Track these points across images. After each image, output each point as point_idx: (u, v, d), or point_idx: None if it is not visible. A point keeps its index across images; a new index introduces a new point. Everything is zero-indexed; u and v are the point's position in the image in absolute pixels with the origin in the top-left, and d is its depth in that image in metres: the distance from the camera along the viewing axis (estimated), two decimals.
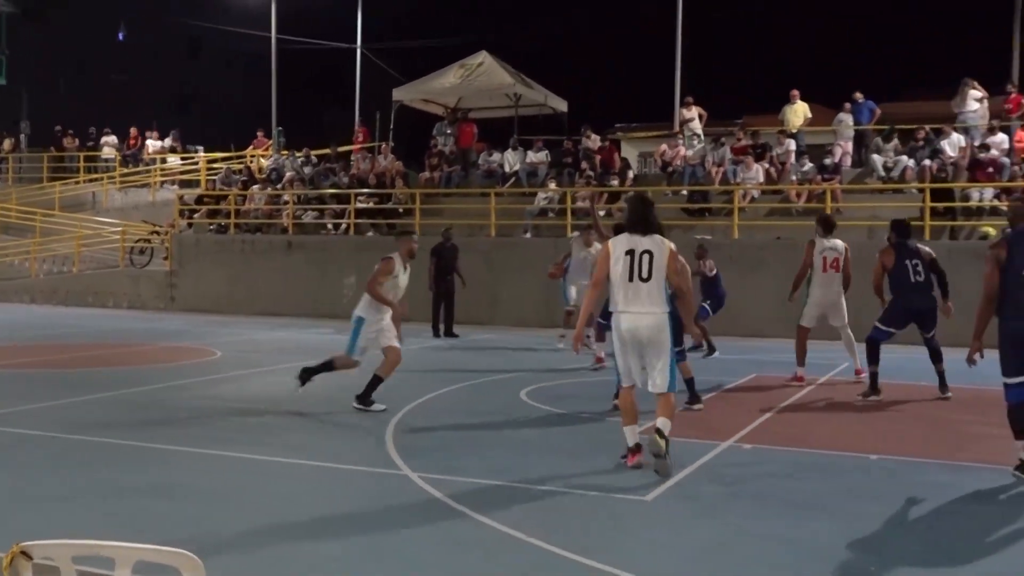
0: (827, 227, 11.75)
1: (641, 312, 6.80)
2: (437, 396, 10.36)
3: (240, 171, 26.66)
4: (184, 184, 29.35)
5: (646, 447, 6.87)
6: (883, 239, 12.08)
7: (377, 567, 4.93)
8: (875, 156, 19.66)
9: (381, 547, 5.21)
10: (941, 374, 10.44)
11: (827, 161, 19.97)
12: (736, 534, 5.46)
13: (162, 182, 29.72)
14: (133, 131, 31.59)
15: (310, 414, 9.31)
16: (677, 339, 8.00)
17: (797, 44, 47.29)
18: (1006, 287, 6.79)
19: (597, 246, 13.82)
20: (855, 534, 5.45)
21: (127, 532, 5.22)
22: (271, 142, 29.49)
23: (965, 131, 19.76)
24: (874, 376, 10.43)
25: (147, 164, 30.49)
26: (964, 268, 13.59)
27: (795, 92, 21.65)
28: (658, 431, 6.73)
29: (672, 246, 7.02)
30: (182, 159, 30.75)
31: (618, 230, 10.92)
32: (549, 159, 22.79)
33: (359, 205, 22.61)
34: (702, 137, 22.52)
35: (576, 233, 15.55)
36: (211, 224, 24.48)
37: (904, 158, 19.35)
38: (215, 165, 29.15)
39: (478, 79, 23.59)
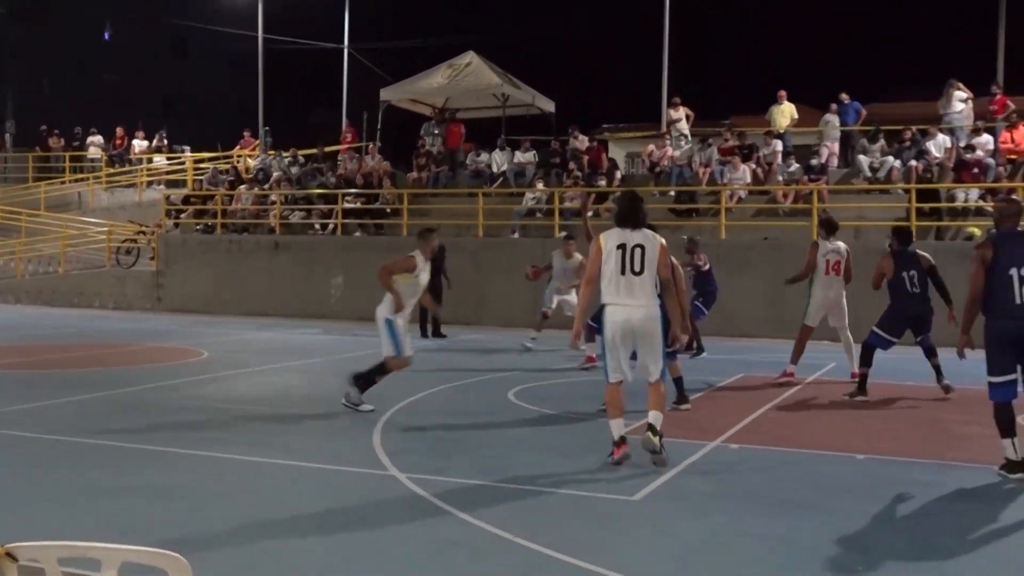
0: (830, 229, 11.82)
1: (634, 305, 6.94)
2: (425, 397, 10.35)
3: (227, 171, 26.57)
4: (171, 184, 29.25)
5: (641, 446, 6.93)
6: (870, 240, 12.19)
7: (365, 568, 4.92)
8: (861, 157, 19.73)
9: (369, 548, 5.20)
10: (937, 367, 10.51)
11: (814, 162, 20.04)
12: (724, 533, 5.47)
13: (149, 182, 29.61)
14: (119, 131, 31.46)
15: (297, 415, 9.28)
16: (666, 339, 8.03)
17: (784, 45, 47.40)
18: (992, 287, 6.84)
19: (578, 256, 14.13)
20: (842, 533, 5.47)
21: (113, 533, 5.19)
22: (258, 142, 29.41)
23: (951, 132, 19.85)
24: (863, 377, 10.47)
25: (133, 164, 30.38)
26: (950, 268, 13.57)
27: (782, 93, 21.75)
28: (650, 427, 6.87)
29: (663, 241, 7.17)
30: (168, 159, 30.65)
31: None
32: (537, 159, 22.81)
33: (346, 205, 22.57)
34: (689, 138, 22.57)
35: (561, 234, 15.60)
36: (198, 224, 24.39)
37: (890, 159, 19.43)
38: (202, 165, 29.05)
39: (466, 79, 23.59)
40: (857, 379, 11.07)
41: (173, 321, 20.27)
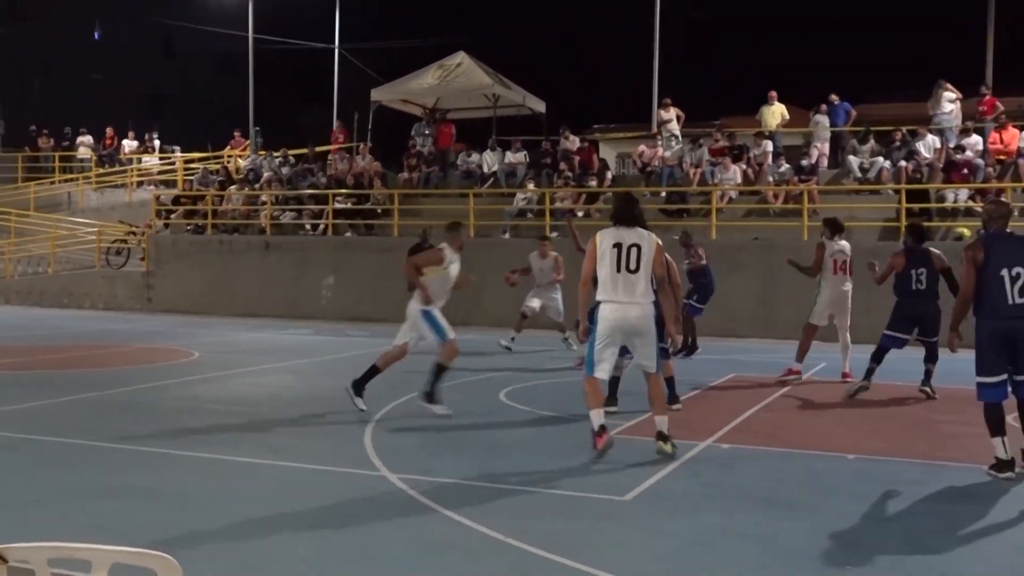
0: (835, 229, 11.89)
1: (629, 302, 7.11)
2: (415, 397, 10.33)
3: (217, 171, 26.52)
4: (161, 184, 29.16)
5: (655, 453, 7.21)
6: (860, 240, 12.28)
7: (356, 569, 4.91)
8: (851, 157, 19.80)
9: (360, 548, 5.19)
10: (928, 372, 10.56)
11: (804, 162, 20.10)
12: (715, 533, 5.47)
13: (139, 182, 29.52)
14: (109, 131, 31.37)
15: (288, 415, 9.26)
16: (660, 336, 8.11)
17: (774, 46, 47.54)
18: (983, 288, 6.87)
19: (552, 254, 14.36)
20: (833, 532, 5.48)
21: (103, 534, 5.18)
22: (248, 142, 29.35)
23: (940, 133, 19.93)
24: (870, 371, 10.56)
25: (123, 164, 30.28)
26: None
27: (773, 93, 21.82)
28: (660, 435, 7.21)
29: (658, 240, 7.34)
30: (161, 159, 30.55)
31: None
32: (528, 160, 22.83)
33: (337, 206, 22.54)
34: (680, 138, 22.59)
35: (543, 231, 15.67)
36: (188, 225, 24.34)
37: (880, 159, 19.50)
38: (192, 165, 28.99)
39: (456, 80, 23.59)
40: (849, 379, 11.16)
41: (163, 322, 20.22)
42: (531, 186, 21.37)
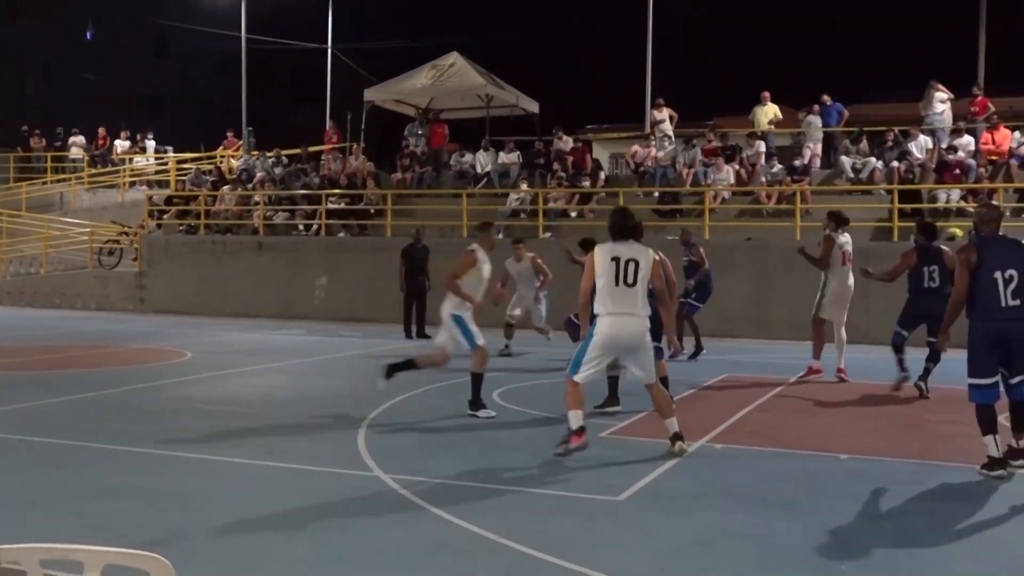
0: (840, 221, 11.93)
1: (627, 313, 7.22)
2: (410, 397, 10.32)
3: (210, 171, 26.47)
4: (154, 184, 29.10)
5: (675, 455, 7.29)
6: (853, 240, 12.33)
7: (349, 569, 4.91)
8: (844, 158, 19.83)
9: (353, 548, 5.19)
10: (927, 371, 10.58)
11: (796, 163, 20.13)
12: (708, 533, 5.48)
13: (131, 182, 29.46)
14: (101, 131, 31.28)
15: (282, 416, 9.25)
16: (656, 335, 8.17)
17: (767, 46, 47.63)
18: (976, 290, 6.89)
19: (527, 256, 14.39)
20: (826, 532, 5.50)
21: (96, 535, 5.16)
22: (241, 142, 29.31)
23: (932, 133, 19.97)
24: (900, 362, 10.69)
25: (116, 164, 30.21)
26: None
27: (766, 93, 21.86)
28: (675, 437, 7.35)
29: (655, 256, 7.50)
30: (155, 159, 30.49)
31: (585, 244, 11.20)
32: (521, 160, 22.82)
33: (330, 206, 22.51)
34: (673, 138, 22.62)
35: (536, 232, 15.66)
36: (181, 225, 24.28)
37: (872, 160, 19.54)
38: (185, 165, 28.92)
39: (450, 80, 23.56)
40: (844, 377, 11.27)
41: (156, 322, 20.18)
42: (524, 186, 21.38)
